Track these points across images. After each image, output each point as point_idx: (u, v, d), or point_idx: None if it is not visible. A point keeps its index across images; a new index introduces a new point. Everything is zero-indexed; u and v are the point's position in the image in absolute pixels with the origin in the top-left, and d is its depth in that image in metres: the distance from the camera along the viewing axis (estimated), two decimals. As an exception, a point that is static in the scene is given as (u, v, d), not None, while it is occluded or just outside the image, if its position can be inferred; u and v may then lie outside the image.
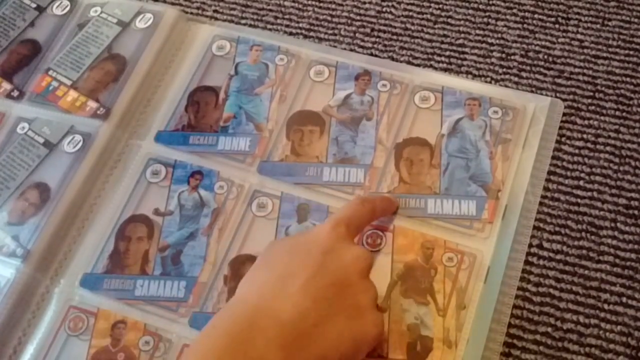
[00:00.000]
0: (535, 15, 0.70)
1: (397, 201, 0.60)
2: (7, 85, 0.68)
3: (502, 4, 0.70)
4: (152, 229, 0.61)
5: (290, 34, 0.71)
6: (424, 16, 0.71)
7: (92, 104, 0.66)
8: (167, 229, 0.61)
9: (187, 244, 0.60)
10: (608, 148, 0.63)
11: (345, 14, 0.71)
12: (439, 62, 0.68)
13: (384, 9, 0.71)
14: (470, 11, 0.70)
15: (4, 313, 0.57)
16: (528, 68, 0.67)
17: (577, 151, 0.63)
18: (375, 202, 0.57)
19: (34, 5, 0.73)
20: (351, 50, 0.69)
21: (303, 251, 0.50)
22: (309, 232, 0.53)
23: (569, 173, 0.62)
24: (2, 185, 0.63)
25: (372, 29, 0.70)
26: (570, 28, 0.69)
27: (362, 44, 0.70)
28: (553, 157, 0.62)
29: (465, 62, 0.68)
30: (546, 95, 0.65)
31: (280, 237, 0.60)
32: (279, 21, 0.72)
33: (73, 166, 0.63)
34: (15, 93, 0.68)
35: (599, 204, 0.60)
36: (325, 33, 0.70)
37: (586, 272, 0.58)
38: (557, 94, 0.65)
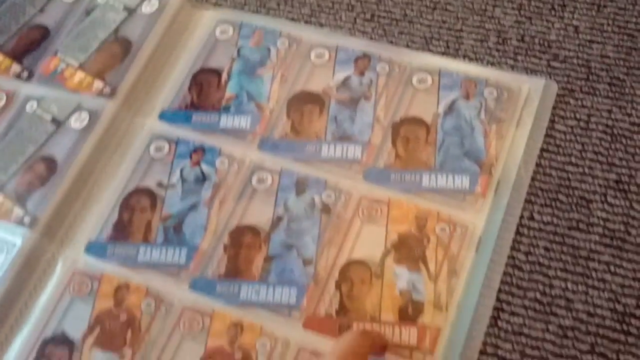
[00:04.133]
0: (532, 2, 0.71)
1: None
2: (16, 67, 0.71)
3: (499, -10, 0.72)
4: (155, 200, 0.63)
5: (292, 19, 0.73)
6: (423, 2, 0.72)
7: (98, 84, 0.68)
8: (169, 201, 0.62)
9: (188, 214, 0.62)
10: (600, 127, 0.64)
11: (346, 0, 0.73)
12: (436, 46, 0.70)
13: (383, -5, 0.73)
14: (468, -3, 0.72)
15: (12, 276, 0.58)
16: (524, 52, 0.69)
17: (569, 130, 0.64)
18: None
19: (43, -8, 0.75)
20: (351, 35, 0.71)
21: None
22: None
23: (561, 150, 0.63)
24: (11, 158, 0.65)
25: (372, 15, 0.72)
26: (566, 14, 0.70)
27: (362, 29, 0.71)
28: (546, 135, 0.63)
29: (462, 47, 0.69)
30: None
31: (279, 209, 0.61)
32: (281, 7, 0.74)
33: (80, 141, 0.64)
34: (25, 74, 0.70)
35: (589, 179, 0.62)
36: (327, 18, 0.72)
37: (575, 242, 0.59)
38: (552, 77, 0.67)
